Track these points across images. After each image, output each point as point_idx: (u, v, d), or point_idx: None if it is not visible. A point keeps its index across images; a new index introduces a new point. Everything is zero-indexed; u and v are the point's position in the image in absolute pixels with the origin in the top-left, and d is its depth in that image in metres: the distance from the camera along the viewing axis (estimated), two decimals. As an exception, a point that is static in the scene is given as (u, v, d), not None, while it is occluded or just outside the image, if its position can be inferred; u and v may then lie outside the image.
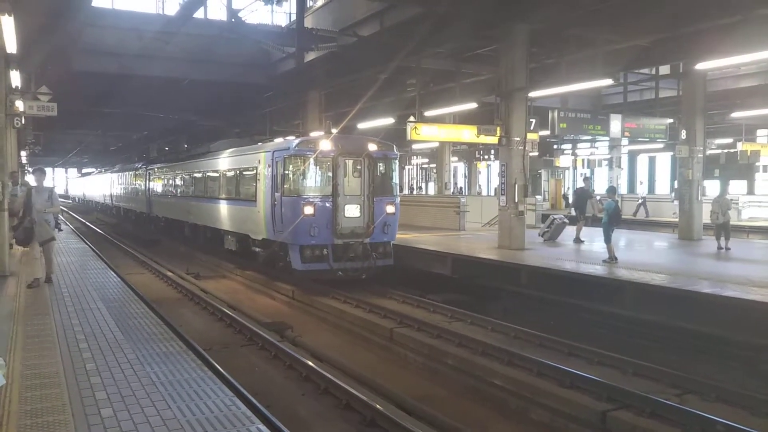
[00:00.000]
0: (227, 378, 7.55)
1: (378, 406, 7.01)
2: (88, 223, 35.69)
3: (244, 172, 16.64)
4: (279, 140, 18.20)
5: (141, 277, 16.72)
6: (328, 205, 13.63)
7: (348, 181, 14.00)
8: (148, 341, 7.33)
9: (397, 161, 15.16)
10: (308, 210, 13.38)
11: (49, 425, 4.80)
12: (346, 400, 7.48)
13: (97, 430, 4.74)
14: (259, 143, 18.47)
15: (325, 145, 13.71)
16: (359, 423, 7.05)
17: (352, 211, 13.90)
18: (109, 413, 5.06)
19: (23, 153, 32.21)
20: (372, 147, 14.26)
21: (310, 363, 8.68)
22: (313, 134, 17.43)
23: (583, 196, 17.82)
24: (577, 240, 16.96)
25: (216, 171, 19.13)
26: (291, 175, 13.86)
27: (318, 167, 13.96)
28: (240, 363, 9.20)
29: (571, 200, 17.48)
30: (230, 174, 17.75)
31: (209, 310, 12.80)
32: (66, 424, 4.83)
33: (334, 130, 15.15)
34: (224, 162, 18.47)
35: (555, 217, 17.90)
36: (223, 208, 18.07)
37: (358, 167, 14.16)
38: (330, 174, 13.81)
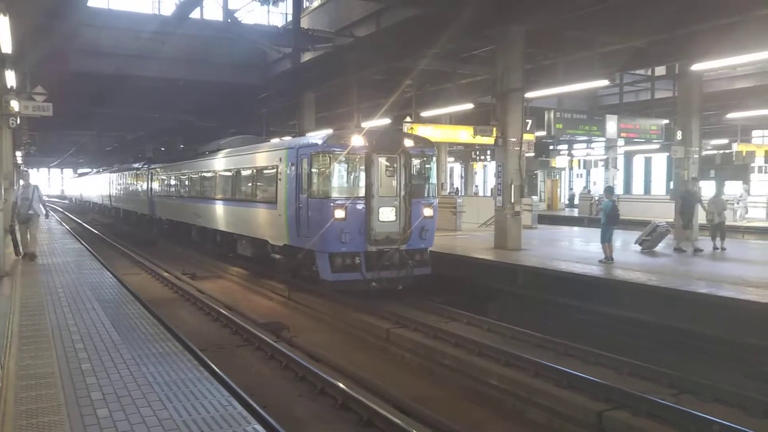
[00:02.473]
0: (223, 378, 7.52)
1: (375, 406, 6.99)
2: (84, 224, 35.56)
3: (263, 171, 15.26)
4: (317, 134, 16.77)
5: (137, 278, 16.67)
6: (360, 207, 12.28)
7: (381, 180, 12.63)
8: (144, 341, 7.32)
9: (434, 158, 13.78)
10: (339, 213, 12.02)
11: (45, 426, 4.79)
12: (343, 401, 7.46)
13: (92, 430, 4.73)
14: (279, 139, 17.72)
15: (358, 140, 12.31)
16: (356, 423, 7.03)
17: (386, 214, 12.53)
18: (105, 413, 5.04)
19: (18, 153, 32.10)
20: (408, 142, 12.90)
21: (307, 363, 8.66)
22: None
23: (691, 200, 15.90)
24: (696, 250, 15.13)
25: (228, 170, 17.74)
26: (319, 175, 12.44)
27: (349, 165, 12.62)
28: (236, 363, 9.18)
29: (677, 205, 15.84)
30: (245, 173, 16.45)
31: (205, 310, 12.77)
32: (62, 424, 4.82)
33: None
34: (238, 160, 17.16)
35: (658, 224, 16.18)
36: (237, 210, 16.81)
37: (393, 165, 12.73)
38: (359, 173, 12.48)
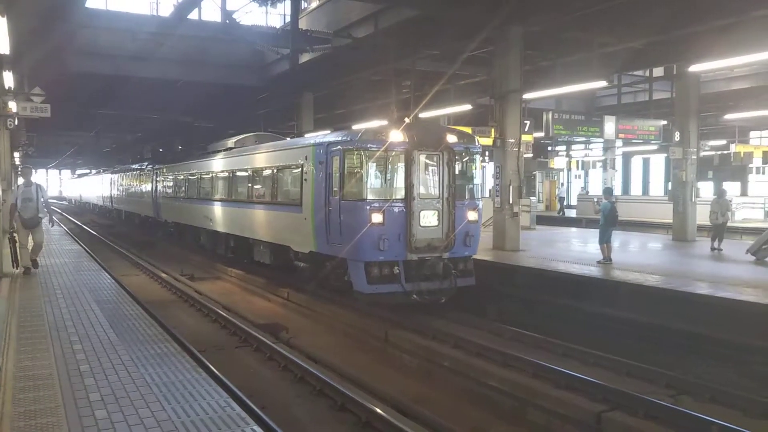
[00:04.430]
0: (222, 379, 7.52)
1: (373, 407, 6.99)
2: (82, 225, 35.52)
3: (285, 171, 13.96)
4: (322, 133, 15.22)
5: (135, 279, 16.66)
6: (399, 210, 11.01)
7: (422, 181, 11.41)
8: (142, 343, 7.31)
9: (479, 156, 12.53)
10: (377, 218, 10.72)
11: (43, 427, 4.78)
12: (341, 402, 7.46)
13: (91, 431, 4.72)
14: (304, 135, 16.61)
15: (396, 135, 10.96)
16: (354, 424, 7.03)
17: (428, 218, 11.25)
18: (104, 415, 5.03)
19: (16, 154, 32.10)
20: (452, 138, 11.55)
21: (305, 364, 8.66)
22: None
23: None
24: None
25: (245, 170, 16.42)
26: (353, 174, 11.13)
27: (387, 164, 11.24)
28: (235, 364, 9.18)
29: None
30: (265, 173, 15.12)
31: (204, 311, 12.76)
32: (60, 425, 4.81)
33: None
34: (256, 158, 15.77)
35: None
36: (255, 213, 15.45)
37: (435, 163, 11.50)
38: (398, 173, 11.25)
